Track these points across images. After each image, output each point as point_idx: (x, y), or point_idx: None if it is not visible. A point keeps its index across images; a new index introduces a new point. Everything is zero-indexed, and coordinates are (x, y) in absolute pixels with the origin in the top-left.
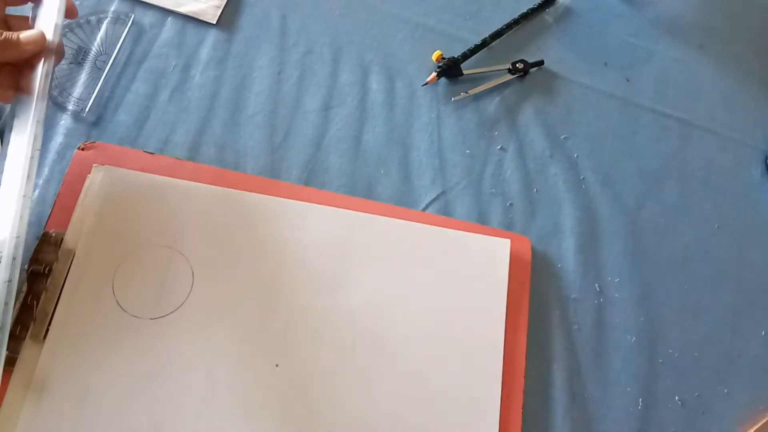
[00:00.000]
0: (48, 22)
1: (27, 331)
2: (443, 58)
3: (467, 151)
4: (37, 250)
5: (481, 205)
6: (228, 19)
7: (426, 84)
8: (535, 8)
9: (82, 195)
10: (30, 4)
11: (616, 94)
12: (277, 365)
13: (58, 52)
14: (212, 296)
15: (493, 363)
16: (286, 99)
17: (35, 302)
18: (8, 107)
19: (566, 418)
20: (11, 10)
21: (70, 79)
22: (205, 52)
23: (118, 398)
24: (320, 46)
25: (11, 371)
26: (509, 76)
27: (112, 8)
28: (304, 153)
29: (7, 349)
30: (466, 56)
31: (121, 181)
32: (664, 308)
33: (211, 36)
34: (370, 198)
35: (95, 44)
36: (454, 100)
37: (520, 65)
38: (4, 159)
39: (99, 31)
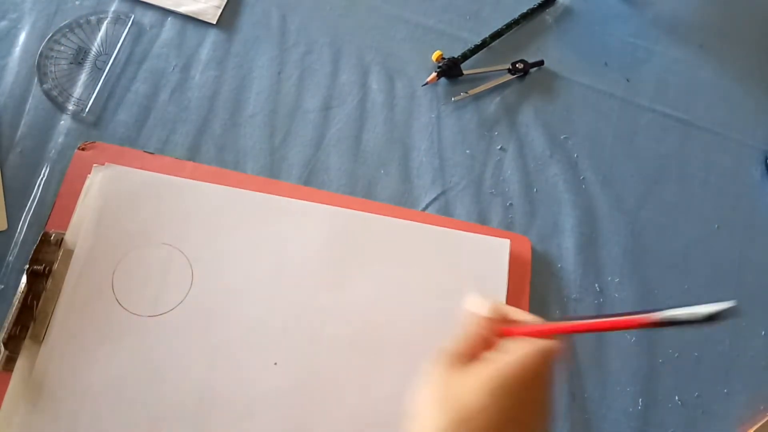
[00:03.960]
0: None
1: (27, 331)
2: (443, 58)
3: (467, 151)
4: (37, 250)
5: (481, 205)
6: (228, 19)
7: (426, 84)
8: (535, 8)
9: (82, 195)
10: None
11: (616, 94)
12: (275, 363)
13: None
14: (211, 294)
15: None
16: (286, 99)
17: (35, 302)
18: None
19: (566, 418)
20: None
21: (70, 79)
22: (205, 52)
23: (118, 397)
24: (320, 46)
25: (11, 371)
26: (509, 76)
27: (112, 8)
28: (304, 153)
29: (7, 349)
30: (466, 56)
31: (120, 179)
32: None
33: (211, 36)
34: (370, 198)
35: (95, 44)
36: (454, 100)
37: (520, 65)
38: None
39: (99, 31)
